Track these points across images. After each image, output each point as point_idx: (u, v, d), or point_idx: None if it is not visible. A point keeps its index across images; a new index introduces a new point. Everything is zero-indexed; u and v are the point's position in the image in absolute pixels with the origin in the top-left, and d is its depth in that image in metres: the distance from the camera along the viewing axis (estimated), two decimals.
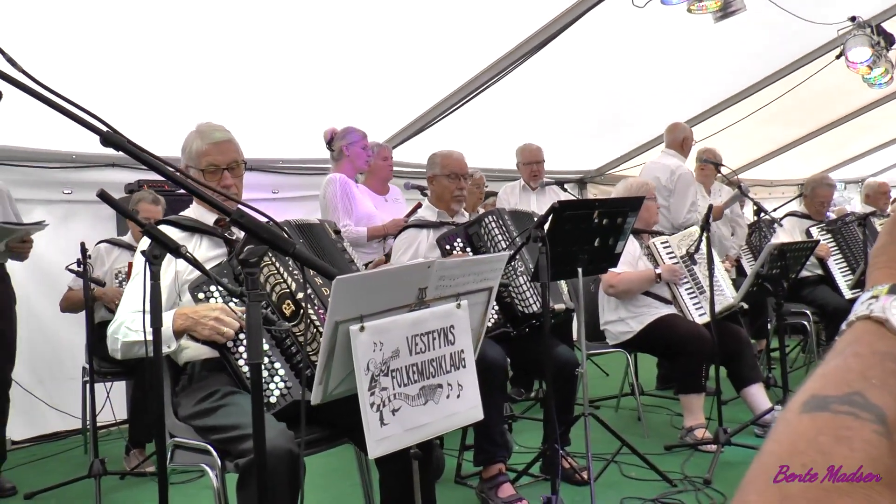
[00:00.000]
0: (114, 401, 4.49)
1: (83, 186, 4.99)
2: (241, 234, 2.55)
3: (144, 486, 3.86)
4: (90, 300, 3.87)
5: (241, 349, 2.26)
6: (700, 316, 4.21)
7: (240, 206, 1.50)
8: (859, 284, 4.97)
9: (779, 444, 0.56)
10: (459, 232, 3.60)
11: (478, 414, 2.01)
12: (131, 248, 4.43)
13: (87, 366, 4.03)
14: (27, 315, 4.65)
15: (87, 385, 3.90)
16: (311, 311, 2.34)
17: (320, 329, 2.29)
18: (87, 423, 4.13)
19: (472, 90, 5.58)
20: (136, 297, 2.36)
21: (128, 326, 2.30)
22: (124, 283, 4.23)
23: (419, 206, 4.69)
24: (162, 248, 1.91)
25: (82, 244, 3.80)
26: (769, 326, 5.78)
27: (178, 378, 2.47)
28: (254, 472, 1.98)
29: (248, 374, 2.23)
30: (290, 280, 2.37)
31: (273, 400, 2.20)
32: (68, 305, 4.41)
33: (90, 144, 4.75)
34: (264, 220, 1.60)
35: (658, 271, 4.22)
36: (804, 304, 5.26)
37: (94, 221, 5.04)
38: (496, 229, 3.55)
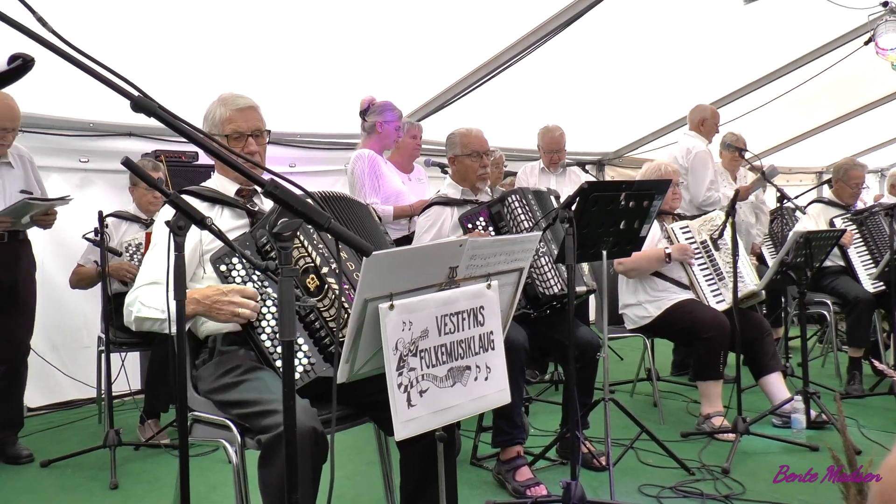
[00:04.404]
0: (129, 371, 4.49)
1: (100, 155, 4.97)
2: (264, 206, 2.53)
3: (159, 458, 3.86)
4: (106, 270, 3.85)
5: (264, 324, 2.22)
6: (718, 303, 4.15)
7: (273, 177, 1.45)
8: (882, 277, 4.89)
9: None
10: (482, 210, 3.54)
11: (505, 397, 1.97)
12: (138, 220, 4.40)
13: (103, 335, 4.01)
14: (43, 283, 4.63)
15: (103, 355, 3.88)
16: (336, 287, 2.30)
17: (345, 305, 2.25)
18: (103, 392, 4.12)
19: (493, 69, 5.51)
20: (153, 267, 2.33)
21: (142, 301, 2.27)
22: (135, 255, 4.20)
23: None
24: (187, 218, 1.86)
25: (100, 213, 3.78)
26: (785, 315, 5.73)
27: (197, 351, 2.44)
28: (277, 449, 1.95)
29: (271, 350, 2.20)
30: (314, 254, 2.32)
31: (296, 376, 2.15)
32: (78, 281, 4.38)
33: (108, 113, 4.78)
34: (298, 191, 1.55)
35: (667, 251, 4.16)
36: (824, 294, 5.19)
37: (110, 190, 5.02)
38: (519, 209, 3.49)
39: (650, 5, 5.28)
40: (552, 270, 3.43)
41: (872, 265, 5.06)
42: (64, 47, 1.34)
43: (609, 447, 3.23)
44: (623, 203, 3.14)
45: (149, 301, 2.25)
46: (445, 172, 4.02)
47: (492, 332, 1.93)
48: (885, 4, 5.62)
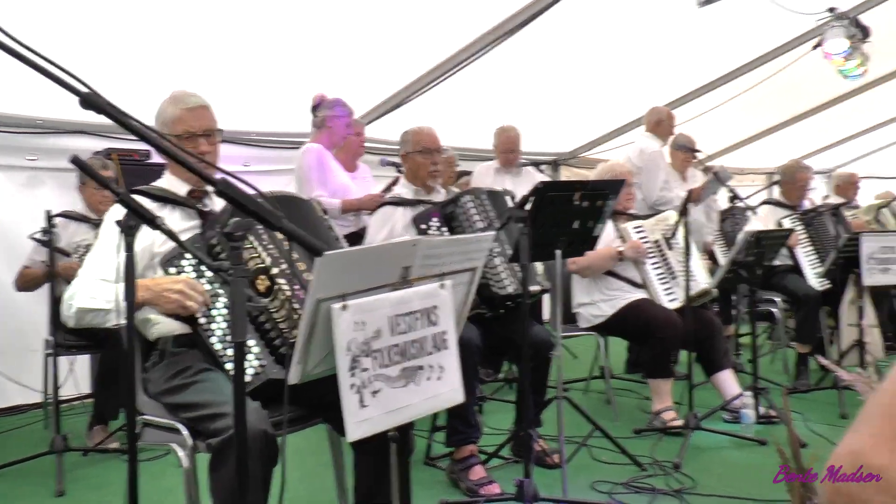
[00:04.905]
0: (76, 375, 4.39)
1: (49, 153, 4.85)
2: (215, 207, 2.50)
3: (108, 463, 3.78)
4: (54, 271, 3.76)
5: (214, 326, 2.19)
6: (670, 301, 4.22)
7: (225, 176, 1.43)
8: (828, 275, 5.01)
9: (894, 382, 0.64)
10: (435, 211, 3.54)
11: (458, 396, 1.97)
12: (87, 221, 4.30)
13: (51, 338, 3.92)
14: None
15: (50, 358, 3.79)
16: (286, 288, 2.28)
17: (295, 306, 2.23)
18: (49, 397, 4.02)
19: (448, 68, 5.51)
20: (97, 264, 2.28)
21: (85, 293, 2.22)
22: (85, 256, 4.10)
23: (397, 180, 4.64)
24: (138, 217, 1.83)
25: (47, 212, 3.69)
26: (735, 313, 5.83)
27: (148, 354, 2.39)
28: (227, 453, 1.93)
29: (221, 353, 2.17)
30: (264, 255, 2.30)
31: (247, 379, 2.13)
32: (24, 283, 4.24)
33: (56, 109, 4.68)
34: (250, 191, 1.53)
35: (620, 248, 4.21)
36: (773, 292, 5.30)
37: (59, 190, 4.88)
38: (473, 209, 3.50)
39: (606, 7, 5.32)
40: (506, 270, 3.44)
41: (819, 264, 5.18)
42: (9, 42, 1.31)
43: (562, 445, 3.26)
44: (577, 203, 3.17)
45: (93, 292, 2.20)
46: (400, 172, 4.02)
47: (445, 332, 1.93)
48: (831, 10, 5.75)
